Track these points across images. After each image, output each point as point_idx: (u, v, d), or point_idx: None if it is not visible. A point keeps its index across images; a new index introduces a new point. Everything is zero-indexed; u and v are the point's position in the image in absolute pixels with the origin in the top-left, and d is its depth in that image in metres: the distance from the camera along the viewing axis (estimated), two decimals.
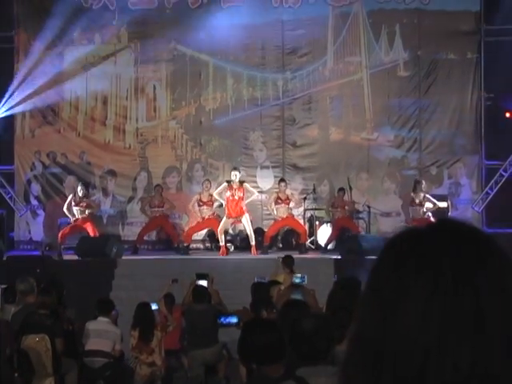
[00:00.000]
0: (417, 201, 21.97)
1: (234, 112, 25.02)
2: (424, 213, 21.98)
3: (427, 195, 22.17)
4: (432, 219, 21.11)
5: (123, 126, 25.31)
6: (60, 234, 22.01)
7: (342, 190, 23.15)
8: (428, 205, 22.03)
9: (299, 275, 15.20)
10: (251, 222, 22.63)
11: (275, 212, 22.59)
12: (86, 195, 22.54)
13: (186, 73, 25.13)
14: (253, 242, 21.75)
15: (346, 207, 22.69)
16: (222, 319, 13.34)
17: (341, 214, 22.64)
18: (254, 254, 21.51)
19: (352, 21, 24.74)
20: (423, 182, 22.26)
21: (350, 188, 23.80)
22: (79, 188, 22.43)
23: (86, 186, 23.04)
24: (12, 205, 24.93)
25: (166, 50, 25.13)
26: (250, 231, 21.79)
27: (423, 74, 24.67)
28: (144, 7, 24.98)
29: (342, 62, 24.94)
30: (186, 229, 23.15)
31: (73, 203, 22.17)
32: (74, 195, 22.22)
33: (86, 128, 25.29)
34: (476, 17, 24.54)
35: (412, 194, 22.23)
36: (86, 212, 22.41)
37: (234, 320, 12.94)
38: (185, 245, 22.11)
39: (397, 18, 24.70)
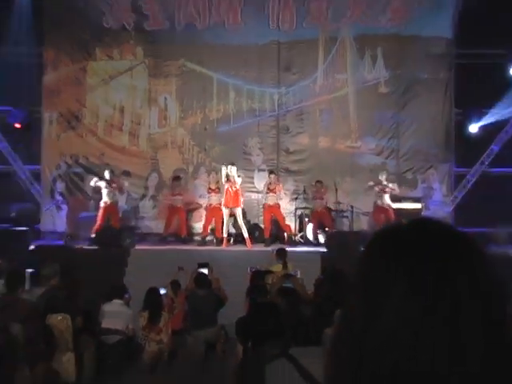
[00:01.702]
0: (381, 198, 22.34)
1: (235, 121, 24.99)
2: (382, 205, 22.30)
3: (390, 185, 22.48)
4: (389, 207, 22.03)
5: (137, 132, 25.25)
6: (99, 222, 22.09)
7: (319, 182, 23.13)
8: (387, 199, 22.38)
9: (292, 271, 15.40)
10: (249, 219, 22.88)
11: (265, 200, 22.73)
12: (112, 179, 22.63)
13: (192, 86, 25.05)
14: (246, 235, 21.69)
15: (324, 198, 22.71)
16: None
17: (320, 206, 22.62)
18: (249, 247, 21.43)
19: (339, 44, 24.72)
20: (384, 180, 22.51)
21: (336, 190, 23.91)
22: (106, 172, 22.59)
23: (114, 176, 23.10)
24: (39, 200, 25.05)
25: (176, 66, 25.09)
26: (241, 224, 21.72)
27: (401, 91, 24.66)
28: (157, 28, 24.97)
29: (331, 79, 24.86)
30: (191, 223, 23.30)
31: (102, 188, 22.33)
32: (104, 183, 22.32)
33: (105, 133, 25.24)
34: (447, 42, 24.56)
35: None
36: (116, 194, 22.71)
37: None
38: (203, 236, 22.24)
39: (378, 41, 24.67)
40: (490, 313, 1.47)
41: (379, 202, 22.49)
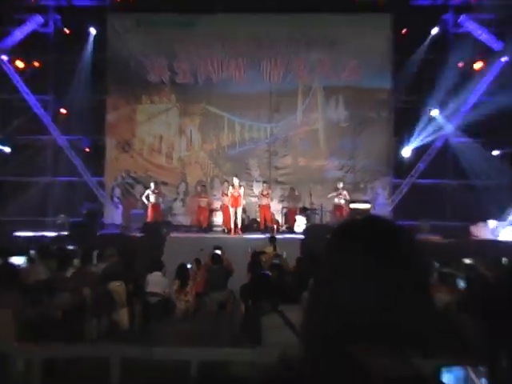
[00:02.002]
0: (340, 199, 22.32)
1: (240, 147, 24.96)
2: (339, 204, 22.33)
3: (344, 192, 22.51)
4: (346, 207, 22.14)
5: (171, 154, 25.15)
6: (151, 217, 22.18)
7: (265, 182, 23.45)
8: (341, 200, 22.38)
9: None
10: (249, 215, 22.89)
11: (260, 202, 22.62)
12: (156, 187, 22.61)
13: (210, 122, 25.00)
14: (239, 226, 21.75)
15: (268, 196, 22.63)
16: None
17: (266, 201, 22.54)
18: (238, 233, 21.50)
19: (313, 92, 24.72)
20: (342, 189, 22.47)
21: (310, 195, 23.90)
22: (152, 184, 22.65)
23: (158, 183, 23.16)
24: (102, 201, 25.07)
25: (198, 108, 25.00)
26: (239, 218, 21.76)
27: (356, 125, 24.59)
28: (185, 81, 24.97)
29: (307, 117, 24.81)
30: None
31: (150, 193, 22.34)
32: (151, 191, 22.44)
33: (149, 155, 25.14)
34: (388, 91, 24.58)
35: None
36: (159, 199, 22.60)
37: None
38: (226, 228, 22.16)
39: (340, 91, 24.68)
40: (417, 276, 1.51)
41: (337, 203, 22.49)
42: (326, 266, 1.59)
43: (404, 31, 24.46)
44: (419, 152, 24.83)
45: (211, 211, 23.13)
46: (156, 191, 22.46)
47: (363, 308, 1.48)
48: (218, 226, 22.83)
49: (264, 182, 23.62)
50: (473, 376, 2.85)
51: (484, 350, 2.39)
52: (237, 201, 21.66)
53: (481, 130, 24.05)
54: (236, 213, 21.79)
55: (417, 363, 1.49)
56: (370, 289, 1.49)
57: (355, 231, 1.60)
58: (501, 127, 23.87)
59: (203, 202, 22.96)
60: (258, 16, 24.53)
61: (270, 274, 7.87)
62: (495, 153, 24.36)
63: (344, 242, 1.59)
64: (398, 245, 1.55)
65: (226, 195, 22.12)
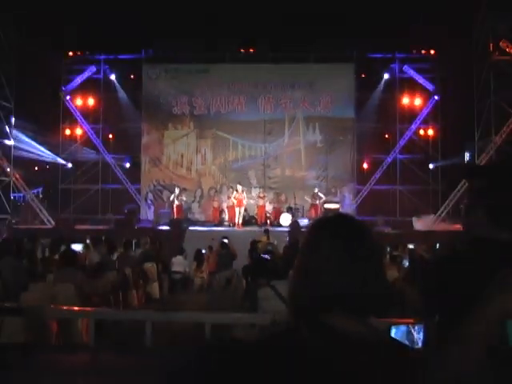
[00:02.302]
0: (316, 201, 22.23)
1: (241, 162, 24.87)
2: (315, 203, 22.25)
3: (319, 194, 22.42)
4: (320, 207, 22.11)
5: (190, 167, 25.08)
6: (176, 214, 21.99)
7: (261, 187, 23.58)
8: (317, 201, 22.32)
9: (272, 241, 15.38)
10: (249, 213, 22.87)
11: (257, 203, 22.59)
12: (180, 192, 22.51)
13: (219, 143, 24.93)
14: (240, 221, 21.62)
15: (264, 197, 22.55)
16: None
17: (262, 202, 22.45)
18: (238, 228, 21.31)
19: (296, 121, 24.62)
20: (318, 193, 22.45)
21: (295, 197, 23.93)
22: (177, 189, 22.43)
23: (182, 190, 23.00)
24: (139, 203, 25.04)
25: (210, 133, 24.93)
26: (241, 215, 21.67)
27: (328, 146, 24.39)
28: (201, 113, 24.93)
29: (292, 140, 24.68)
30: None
31: (174, 198, 22.16)
32: (175, 195, 22.26)
33: (173, 168, 25.05)
34: (352, 119, 24.51)
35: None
36: (182, 201, 22.44)
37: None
38: (232, 221, 22.00)
39: (316, 119, 24.56)
40: (373, 254, 1.53)
41: (313, 202, 22.44)
42: (303, 248, 1.59)
43: (363, 75, 24.67)
44: (376, 165, 24.89)
45: (221, 211, 23.05)
46: (179, 196, 22.35)
47: (330, 280, 1.49)
48: (226, 221, 22.73)
49: (260, 187, 23.65)
50: (413, 331, 2.89)
51: (421, 311, 2.42)
52: (241, 202, 21.60)
53: (419, 149, 24.28)
54: (240, 211, 21.79)
55: (374, 323, 1.51)
56: (336, 264, 1.50)
57: (328, 222, 1.61)
58: (433, 147, 24.06)
59: (216, 203, 22.87)
60: (256, 65, 24.64)
61: (268, 257, 7.85)
62: (431, 166, 24.45)
63: (318, 230, 1.60)
64: (357, 231, 1.56)
65: (231, 198, 22.12)
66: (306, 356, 1.42)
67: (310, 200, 22.79)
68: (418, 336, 2.84)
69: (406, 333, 2.91)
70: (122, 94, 25.32)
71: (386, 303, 1.53)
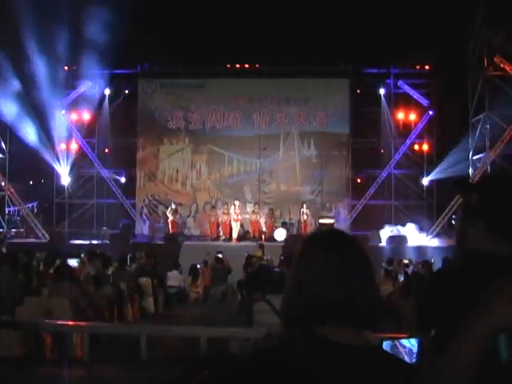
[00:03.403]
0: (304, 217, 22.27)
1: (236, 177, 24.85)
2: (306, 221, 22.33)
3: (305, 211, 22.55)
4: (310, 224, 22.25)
5: (185, 182, 25.05)
6: (171, 229, 22.19)
7: (255, 204, 23.65)
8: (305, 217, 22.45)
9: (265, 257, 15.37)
10: (242, 227, 22.87)
11: (251, 218, 22.70)
12: (176, 207, 22.66)
13: (214, 158, 24.94)
14: (235, 236, 21.89)
15: (257, 214, 22.78)
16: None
17: (254, 218, 22.65)
18: (235, 242, 21.50)
19: (291, 136, 24.68)
20: (304, 209, 22.59)
21: (289, 212, 23.98)
22: (173, 204, 22.70)
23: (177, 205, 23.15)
24: (134, 218, 25.00)
25: (206, 148, 24.94)
26: (237, 230, 21.90)
27: (323, 161, 24.45)
28: (196, 128, 24.96)
29: (287, 155, 24.72)
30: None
31: (169, 213, 22.36)
32: (170, 210, 22.50)
33: (168, 183, 25.06)
34: (347, 135, 24.59)
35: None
36: (177, 217, 22.55)
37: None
38: (227, 236, 22.12)
39: (311, 135, 24.61)
40: (363, 269, 1.55)
41: (303, 219, 22.53)
42: (297, 261, 1.61)
43: (359, 91, 24.79)
44: (370, 180, 24.95)
45: (217, 225, 23.04)
46: (174, 212, 22.45)
47: (324, 292, 1.51)
48: (222, 236, 22.70)
49: (255, 203, 23.69)
50: (399, 345, 2.91)
51: (415, 326, 2.42)
52: (238, 217, 21.87)
53: (414, 163, 24.35)
54: (237, 226, 21.89)
55: (367, 336, 1.53)
56: (330, 277, 1.52)
57: (320, 237, 1.64)
58: (428, 162, 24.15)
59: (213, 218, 22.81)
60: (250, 80, 24.77)
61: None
62: (425, 181, 24.51)
63: (312, 243, 1.62)
64: (348, 246, 1.59)
65: (226, 214, 22.15)
66: (300, 367, 1.43)
67: (300, 215, 22.88)
68: (404, 350, 2.86)
69: (391, 347, 2.92)
70: (117, 108, 25.33)
71: (378, 315, 1.55)
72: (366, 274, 1.55)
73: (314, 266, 1.55)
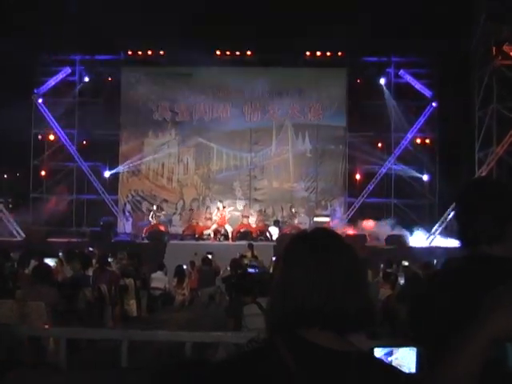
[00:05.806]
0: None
1: (226, 172, 24.88)
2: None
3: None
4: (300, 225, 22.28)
5: (171, 177, 25.14)
6: (145, 230, 22.12)
7: (241, 199, 24.08)
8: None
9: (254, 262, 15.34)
10: (232, 227, 22.85)
11: (242, 220, 22.80)
12: (160, 205, 22.79)
13: (202, 152, 24.97)
14: (229, 236, 21.96)
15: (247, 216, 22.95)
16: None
17: (246, 221, 22.77)
18: (231, 241, 21.52)
19: (284, 129, 24.76)
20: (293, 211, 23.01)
21: (282, 210, 24.04)
22: (154, 206, 22.89)
23: (159, 206, 23.29)
24: (116, 215, 24.96)
25: (193, 141, 24.96)
26: (229, 232, 21.94)
27: (318, 156, 24.66)
28: (183, 120, 25.01)
29: (279, 149, 24.78)
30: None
31: (152, 214, 22.51)
32: (154, 209, 22.70)
33: (153, 178, 25.10)
34: (343, 128, 24.72)
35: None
36: (160, 217, 22.62)
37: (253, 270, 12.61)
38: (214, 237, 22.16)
39: (306, 128, 24.74)
40: (351, 271, 1.55)
41: (292, 222, 22.75)
42: (282, 262, 1.61)
43: (357, 81, 24.79)
44: (368, 176, 24.99)
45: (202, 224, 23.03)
46: (157, 213, 22.70)
47: (307, 294, 1.51)
48: (207, 235, 22.63)
49: (246, 199, 23.84)
50: (394, 353, 2.93)
51: (411, 335, 2.43)
52: (223, 220, 22.10)
53: (415, 159, 24.34)
54: (223, 227, 22.03)
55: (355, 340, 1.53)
56: (315, 279, 1.52)
57: (305, 237, 1.63)
58: (430, 157, 24.17)
59: (198, 216, 22.91)
60: (242, 69, 24.72)
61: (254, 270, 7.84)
62: (425, 177, 24.56)
63: (297, 244, 1.62)
64: (336, 247, 1.59)
65: (209, 219, 22.50)
66: (282, 372, 1.44)
67: (290, 216, 23.09)
68: (396, 357, 2.88)
69: (385, 354, 2.94)
70: (98, 97, 25.06)
71: (368, 319, 1.55)
72: (355, 276, 1.55)
73: (298, 267, 1.56)
